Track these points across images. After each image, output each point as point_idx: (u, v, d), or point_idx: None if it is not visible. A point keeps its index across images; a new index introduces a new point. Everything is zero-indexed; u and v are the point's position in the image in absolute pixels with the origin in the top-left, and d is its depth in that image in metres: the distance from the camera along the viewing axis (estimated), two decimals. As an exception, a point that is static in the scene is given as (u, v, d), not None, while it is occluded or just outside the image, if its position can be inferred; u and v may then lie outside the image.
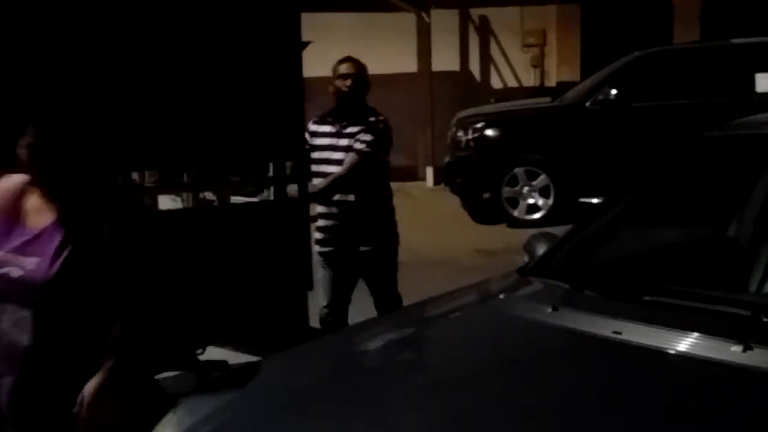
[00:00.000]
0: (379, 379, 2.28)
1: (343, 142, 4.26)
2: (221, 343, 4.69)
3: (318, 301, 4.43)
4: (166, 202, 4.39)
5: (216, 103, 3.86)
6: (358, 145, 4.21)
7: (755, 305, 2.22)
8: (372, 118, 4.29)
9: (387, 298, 4.33)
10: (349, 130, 4.26)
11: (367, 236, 4.28)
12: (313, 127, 4.40)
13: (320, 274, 4.39)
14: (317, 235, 4.36)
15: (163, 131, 3.72)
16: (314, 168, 4.32)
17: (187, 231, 3.79)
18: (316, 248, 4.36)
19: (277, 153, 4.17)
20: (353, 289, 4.44)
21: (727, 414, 1.79)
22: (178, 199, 4.50)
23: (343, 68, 4.33)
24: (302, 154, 4.29)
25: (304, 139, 4.31)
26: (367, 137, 4.21)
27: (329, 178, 4.23)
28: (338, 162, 4.26)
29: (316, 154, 4.33)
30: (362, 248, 4.28)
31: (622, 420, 1.82)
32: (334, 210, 4.29)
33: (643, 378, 2.00)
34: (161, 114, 3.70)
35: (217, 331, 4.06)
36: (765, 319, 2.06)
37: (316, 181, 4.31)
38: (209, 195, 4.54)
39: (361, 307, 4.37)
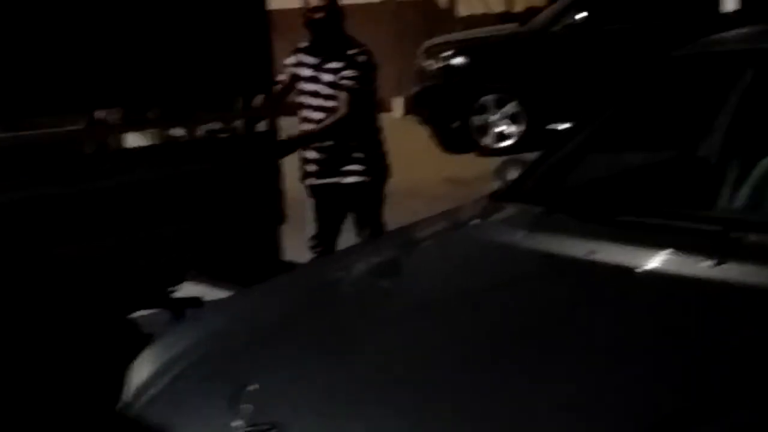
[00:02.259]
0: (352, 308, 2.29)
1: (326, 77, 4.19)
2: (194, 280, 4.68)
3: (303, 234, 4.42)
4: (133, 140, 4.33)
5: (179, 38, 3.79)
6: (346, 82, 4.14)
7: (725, 221, 2.24)
8: (351, 51, 4.22)
9: (371, 230, 4.32)
10: (331, 65, 4.18)
11: (356, 168, 4.25)
12: (293, 58, 4.32)
13: (309, 205, 4.38)
14: (307, 167, 4.33)
15: (126, 68, 3.64)
16: (300, 99, 4.26)
17: (155, 167, 3.75)
18: (307, 181, 4.33)
19: (245, 87, 4.11)
20: (342, 222, 4.43)
21: (701, 327, 1.82)
22: (143, 136, 4.44)
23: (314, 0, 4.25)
24: (270, 88, 4.23)
25: (272, 73, 4.24)
26: (352, 73, 4.15)
27: (322, 125, 4.17)
28: (324, 97, 4.19)
29: (300, 85, 4.27)
30: (351, 180, 4.26)
31: (597, 338, 1.84)
32: (324, 143, 4.25)
33: (618, 296, 2.01)
34: (123, 50, 3.62)
35: (189, 267, 4.05)
36: (734, 234, 2.07)
37: (305, 125, 4.25)
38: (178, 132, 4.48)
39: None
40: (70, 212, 3.51)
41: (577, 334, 1.86)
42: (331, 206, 4.36)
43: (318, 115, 4.20)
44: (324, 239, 4.38)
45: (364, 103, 4.23)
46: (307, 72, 4.25)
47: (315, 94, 4.22)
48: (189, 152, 4.11)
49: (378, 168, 4.38)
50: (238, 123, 4.31)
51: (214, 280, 4.24)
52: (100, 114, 4.07)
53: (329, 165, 4.27)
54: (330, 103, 4.17)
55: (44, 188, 3.45)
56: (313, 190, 4.35)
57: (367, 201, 4.36)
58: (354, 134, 4.22)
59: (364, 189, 4.31)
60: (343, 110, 4.12)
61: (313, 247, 4.39)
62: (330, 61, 4.19)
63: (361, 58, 4.20)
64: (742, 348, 1.72)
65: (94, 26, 3.53)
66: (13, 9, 3.30)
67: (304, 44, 4.31)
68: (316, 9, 4.21)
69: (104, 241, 3.57)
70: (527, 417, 1.63)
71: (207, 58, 3.88)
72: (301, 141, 4.25)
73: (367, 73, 4.21)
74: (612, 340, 1.82)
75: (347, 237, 4.38)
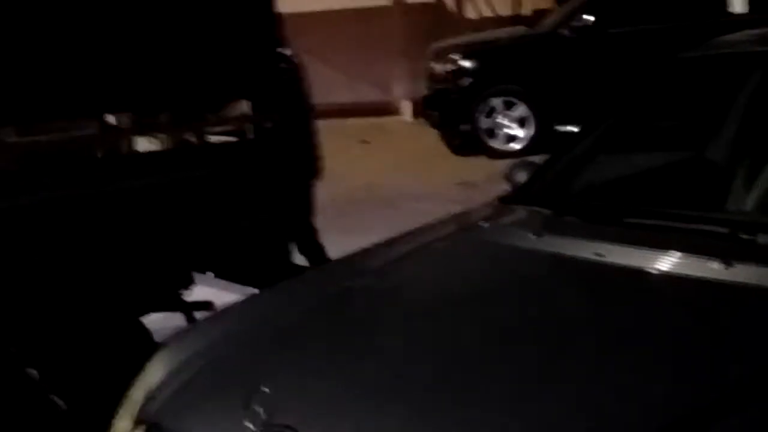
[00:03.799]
0: (365, 310, 2.30)
1: None
2: (206, 283, 4.70)
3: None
4: (143, 144, 4.36)
5: (190, 42, 3.81)
6: None
7: (734, 222, 2.25)
8: None
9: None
10: None
11: None
12: None
13: None
14: None
15: (137, 72, 3.67)
16: None
17: (166, 171, 3.77)
18: None
19: (254, 91, 4.13)
20: None
21: (710, 329, 1.83)
22: (156, 141, 4.46)
23: None
24: (279, 91, 4.24)
25: (280, 76, 4.26)
26: None
27: None
28: None
29: None
30: None
31: (606, 340, 1.85)
32: None
33: (626, 298, 2.02)
34: (135, 55, 3.65)
35: (201, 271, 4.07)
36: (743, 236, 2.08)
37: None
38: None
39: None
40: (83, 216, 3.53)
41: (587, 336, 1.87)
42: None
43: None
44: None
45: None
46: None
47: None
48: (199, 156, 4.13)
49: None
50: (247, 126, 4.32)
51: (225, 284, 4.27)
52: (111, 118, 4.10)
53: None
54: None
55: (56, 191, 3.47)
56: None
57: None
58: None
59: None
60: None
61: None
62: None
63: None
64: (752, 348, 1.73)
65: (105, 31, 3.55)
66: (26, 14, 3.33)
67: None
68: None
69: (116, 244, 3.59)
70: (539, 417, 1.64)
71: (217, 61, 3.90)
72: None
73: None
74: (622, 340, 1.83)
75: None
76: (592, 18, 9.13)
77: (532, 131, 9.29)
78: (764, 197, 2.62)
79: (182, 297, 4.01)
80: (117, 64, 3.59)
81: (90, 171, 3.66)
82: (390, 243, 2.65)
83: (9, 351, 3.32)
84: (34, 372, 3.33)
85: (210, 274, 4.17)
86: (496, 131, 9.42)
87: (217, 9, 3.89)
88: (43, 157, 3.69)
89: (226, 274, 4.18)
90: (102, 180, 3.61)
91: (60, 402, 3.31)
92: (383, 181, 8.19)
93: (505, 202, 2.68)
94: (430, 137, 10.31)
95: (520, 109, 9.32)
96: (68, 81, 3.47)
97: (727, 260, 1.95)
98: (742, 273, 1.93)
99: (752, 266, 1.95)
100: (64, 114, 3.60)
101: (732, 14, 8.93)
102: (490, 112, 9.39)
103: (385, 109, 12.58)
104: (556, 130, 9.07)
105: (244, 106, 4.27)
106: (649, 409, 1.58)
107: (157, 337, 3.37)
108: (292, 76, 4.21)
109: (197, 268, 4.06)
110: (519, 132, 9.37)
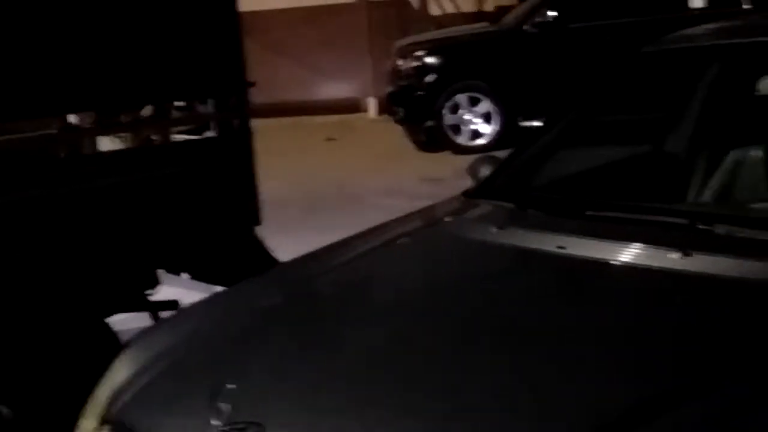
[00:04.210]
0: (329, 307, 2.31)
1: None
2: (171, 282, 4.67)
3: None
4: (106, 144, 4.32)
5: (151, 40, 3.79)
6: None
7: (692, 213, 2.29)
8: None
9: None
10: None
11: None
12: None
13: None
14: None
15: (98, 71, 3.64)
16: None
17: (130, 171, 3.75)
18: None
19: (217, 88, 4.12)
20: None
21: (669, 316, 1.86)
22: (117, 140, 4.43)
23: None
24: (243, 89, 4.24)
25: (244, 74, 4.25)
26: None
27: None
28: None
29: None
30: None
31: (565, 331, 1.87)
32: None
33: (588, 289, 2.05)
34: (96, 54, 3.62)
35: (165, 269, 4.05)
36: (701, 227, 2.12)
37: None
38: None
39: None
40: (45, 216, 3.50)
41: (549, 327, 1.90)
42: None
43: None
44: None
45: None
46: None
47: None
48: (163, 155, 4.11)
49: None
50: (210, 125, 4.31)
51: (191, 283, 4.25)
52: (73, 118, 4.07)
53: None
54: None
55: (18, 192, 3.44)
56: None
57: None
58: None
59: None
60: None
61: None
62: None
63: None
64: (710, 336, 1.76)
65: (66, 30, 3.52)
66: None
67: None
68: None
69: (79, 244, 3.57)
70: (503, 407, 1.66)
71: (179, 60, 3.88)
72: None
73: None
74: (582, 331, 1.86)
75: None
76: (554, 13, 9.20)
77: (497, 127, 9.36)
78: (721, 189, 2.67)
79: (148, 296, 3.98)
80: (79, 63, 3.56)
81: (52, 171, 3.62)
82: (355, 238, 2.66)
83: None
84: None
85: (185, 275, 4.15)
86: (461, 127, 9.47)
87: (181, 4, 3.87)
88: (3, 157, 3.65)
89: (201, 274, 4.17)
90: (65, 180, 3.58)
91: (5, 410, 3.28)
92: (350, 178, 8.20)
93: (469, 196, 2.70)
94: (395, 134, 10.33)
95: (485, 105, 9.38)
96: (29, 80, 3.44)
97: (686, 250, 1.99)
98: (700, 262, 1.96)
99: (710, 256, 1.98)
100: (25, 113, 3.56)
101: (692, 9, 9.05)
102: (455, 108, 9.44)
103: (351, 106, 12.59)
104: (520, 126, 9.14)
105: (208, 105, 4.25)
106: (604, 399, 1.61)
107: (123, 337, 3.35)
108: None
109: (170, 269, 4.05)
110: (484, 128, 9.42)
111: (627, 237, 2.13)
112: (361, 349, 1.98)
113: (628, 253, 2.09)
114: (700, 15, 8.30)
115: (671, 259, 1.99)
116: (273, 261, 4.05)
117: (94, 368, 2.35)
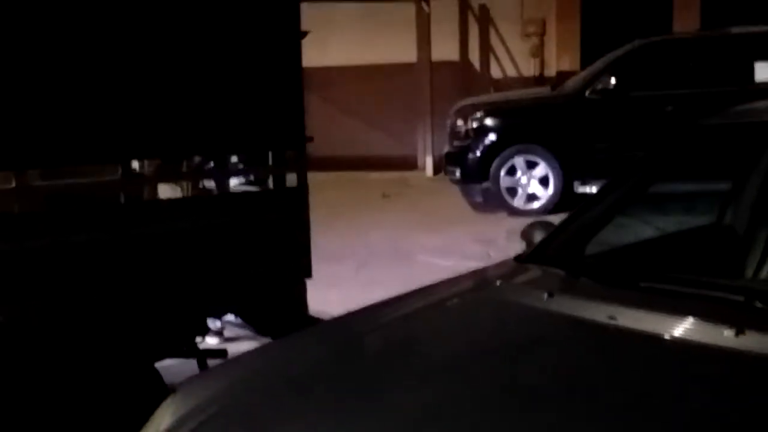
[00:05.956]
0: (376, 364, 2.30)
1: None
2: (220, 331, 4.71)
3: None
4: (166, 191, 4.41)
5: (215, 92, 3.88)
6: None
7: (748, 290, 2.24)
8: None
9: None
10: None
11: None
12: None
13: None
14: None
15: (162, 120, 3.74)
16: None
17: (187, 219, 3.82)
18: None
19: (276, 142, 4.19)
20: None
21: (720, 397, 1.82)
22: (177, 188, 4.52)
23: None
24: (301, 143, 4.30)
25: (303, 128, 4.32)
26: None
27: None
28: None
29: None
30: None
31: (616, 405, 1.84)
32: None
33: (637, 363, 2.02)
34: (161, 103, 3.72)
35: (216, 318, 4.09)
36: (758, 305, 2.08)
37: None
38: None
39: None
40: (103, 259, 3.57)
41: (596, 399, 1.87)
42: None
43: None
44: None
45: None
46: None
47: None
48: (220, 205, 4.17)
49: None
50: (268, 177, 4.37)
51: (240, 332, 4.28)
52: (135, 164, 4.17)
53: None
54: None
55: (78, 235, 3.52)
56: None
57: None
58: None
59: None
60: None
61: None
62: None
63: None
64: (759, 416, 1.72)
65: (133, 79, 3.63)
66: (53, 60, 3.41)
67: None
68: None
69: (134, 287, 3.62)
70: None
71: (242, 112, 3.97)
72: None
73: None
74: (630, 405, 1.82)
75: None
76: (614, 80, 9.19)
77: (553, 191, 9.32)
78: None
79: (196, 344, 4.02)
80: (144, 111, 3.66)
81: (112, 216, 3.71)
82: (404, 297, 2.66)
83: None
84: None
85: (230, 317, 4.19)
86: (517, 190, 9.45)
87: (245, 59, 3.97)
88: (66, 200, 3.74)
89: (241, 322, 4.20)
90: (123, 225, 3.66)
91: None
92: (403, 236, 8.22)
93: (521, 261, 2.69)
94: (451, 193, 10.35)
95: (542, 169, 9.36)
96: (94, 126, 3.54)
97: (740, 328, 1.95)
98: (752, 341, 1.92)
99: (764, 335, 1.94)
100: (88, 159, 3.66)
101: (757, 83, 8.96)
102: (512, 171, 9.44)
103: (408, 164, 12.67)
104: (577, 191, 9.10)
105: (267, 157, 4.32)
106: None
107: (170, 383, 3.38)
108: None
109: (216, 314, 4.09)
110: (540, 191, 9.40)
111: (680, 311, 2.10)
112: (404, 410, 1.97)
113: (681, 328, 2.05)
114: (766, 89, 8.21)
115: (724, 336, 1.95)
116: (309, 317, 4.07)
117: (141, 412, 2.37)
